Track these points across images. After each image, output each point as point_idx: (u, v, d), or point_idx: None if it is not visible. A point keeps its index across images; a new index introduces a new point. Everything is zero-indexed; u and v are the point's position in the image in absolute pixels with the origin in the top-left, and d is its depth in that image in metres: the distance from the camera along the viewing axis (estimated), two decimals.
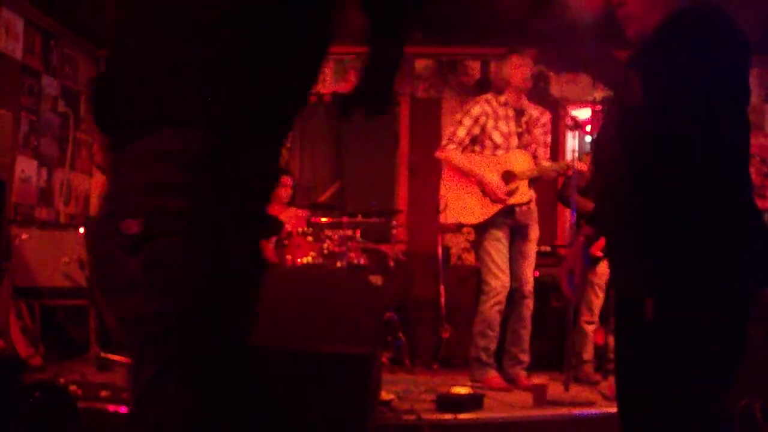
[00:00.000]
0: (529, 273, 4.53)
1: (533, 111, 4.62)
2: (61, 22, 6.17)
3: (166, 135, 1.24)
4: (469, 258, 6.39)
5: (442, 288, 5.37)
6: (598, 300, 4.84)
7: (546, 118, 4.67)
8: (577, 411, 3.65)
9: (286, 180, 5.91)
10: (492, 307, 4.35)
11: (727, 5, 1.85)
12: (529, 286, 4.49)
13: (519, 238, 4.53)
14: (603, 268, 4.81)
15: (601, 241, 4.92)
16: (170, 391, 1.23)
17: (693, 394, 1.69)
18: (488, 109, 4.50)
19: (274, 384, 1.40)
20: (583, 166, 4.48)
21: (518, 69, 4.47)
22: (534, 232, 4.57)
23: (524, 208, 4.48)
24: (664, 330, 1.69)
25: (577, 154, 4.31)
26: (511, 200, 4.42)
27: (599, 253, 4.78)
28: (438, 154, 4.62)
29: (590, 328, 4.84)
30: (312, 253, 4.99)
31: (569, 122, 4.50)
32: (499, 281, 4.36)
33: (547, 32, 1.68)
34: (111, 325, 5.83)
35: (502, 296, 4.37)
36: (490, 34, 5.73)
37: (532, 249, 4.57)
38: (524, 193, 4.45)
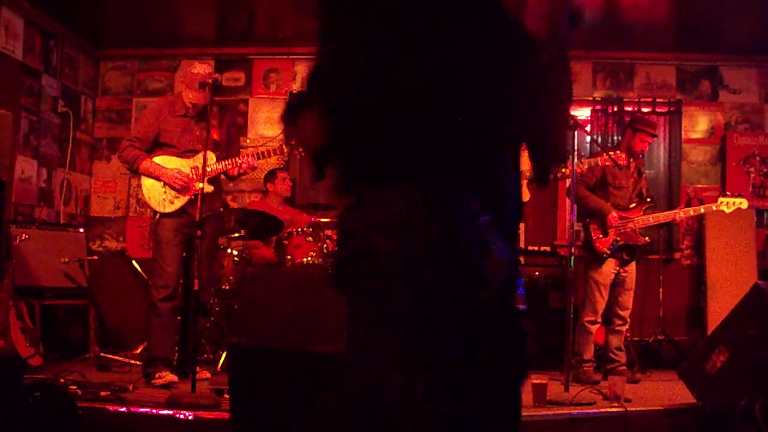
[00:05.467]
0: None
1: None
2: (61, 22, 6.17)
3: None
4: None
5: None
6: (603, 300, 4.83)
7: None
8: (577, 411, 3.64)
9: (283, 174, 5.95)
10: None
11: (727, 5, 1.86)
12: None
13: None
14: (608, 268, 4.81)
15: (608, 240, 4.92)
16: None
17: None
18: None
19: (274, 384, 1.40)
20: (582, 168, 4.50)
21: None
22: None
23: None
24: None
25: (576, 154, 4.31)
26: None
27: (606, 251, 4.78)
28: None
29: (594, 328, 4.83)
30: (312, 253, 4.98)
31: (569, 122, 4.51)
32: None
33: None
34: (111, 325, 5.84)
35: None
36: None
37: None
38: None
